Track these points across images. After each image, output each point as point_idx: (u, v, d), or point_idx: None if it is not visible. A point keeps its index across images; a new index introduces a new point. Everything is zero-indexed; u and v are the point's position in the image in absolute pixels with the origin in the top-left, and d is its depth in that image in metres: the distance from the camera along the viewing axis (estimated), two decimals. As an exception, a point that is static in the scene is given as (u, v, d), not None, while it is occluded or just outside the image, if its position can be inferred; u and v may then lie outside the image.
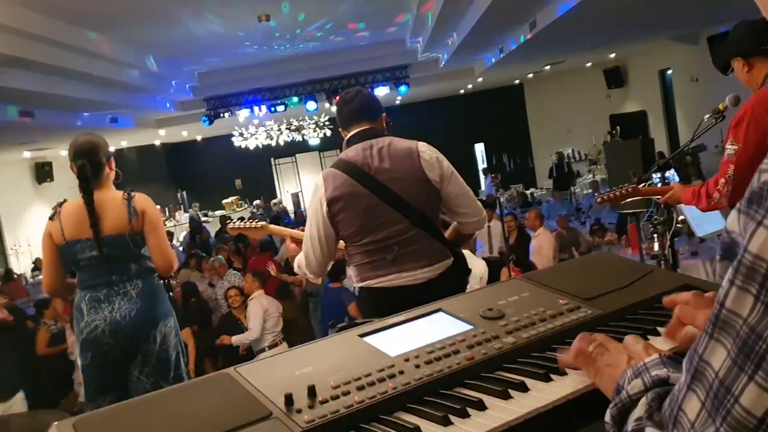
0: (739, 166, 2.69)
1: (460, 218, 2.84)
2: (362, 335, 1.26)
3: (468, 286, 2.91)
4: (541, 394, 1.04)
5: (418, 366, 1.13)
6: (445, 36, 11.45)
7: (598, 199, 3.37)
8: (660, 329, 1.20)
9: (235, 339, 6.53)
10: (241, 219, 3.70)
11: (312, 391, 1.06)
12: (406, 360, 1.15)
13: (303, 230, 3.11)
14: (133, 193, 3.48)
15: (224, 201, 18.67)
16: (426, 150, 2.76)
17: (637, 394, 0.84)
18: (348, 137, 2.85)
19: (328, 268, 2.98)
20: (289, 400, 1.05)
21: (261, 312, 6.40)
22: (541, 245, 7.85)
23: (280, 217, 15.66)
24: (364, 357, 1.17)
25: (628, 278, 1.44)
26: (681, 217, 4.08)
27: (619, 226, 9.73)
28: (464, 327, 1.26)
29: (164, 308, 3.54)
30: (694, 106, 14.37)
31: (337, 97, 3.04)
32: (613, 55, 16.69)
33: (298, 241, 3.09)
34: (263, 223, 3.39)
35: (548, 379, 1.08)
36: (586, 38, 11.81)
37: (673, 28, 12.70)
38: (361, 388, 1.08)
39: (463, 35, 10.57)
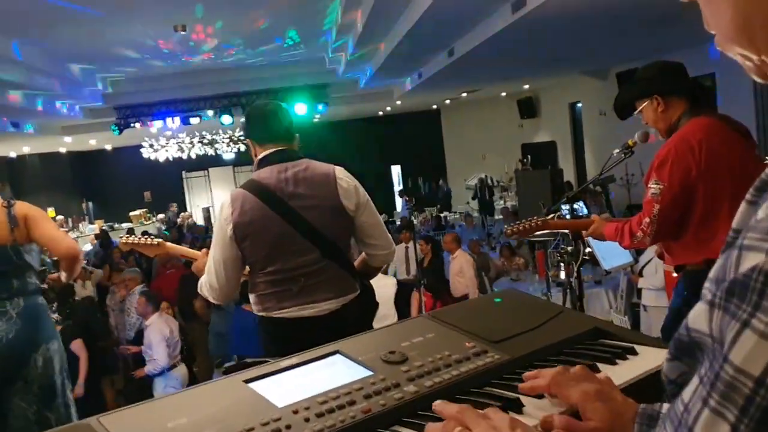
0: (664, 206, 2.71)
1: (371, 249, 2.73)
2: (248, 380, 1.12)
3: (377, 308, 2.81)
4: (442, 455, 0.94)
5: (307, 419, 1.01)
6: (365, 57, 11.45)
7: (507, 231, 3.32)
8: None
9: (147, 370, 6.17)
10: (145, 234, 3.48)
11: (185, 448, 0.93)
12: (295, 412, 1.02)
13: (202, 250, 2.94)
14: (13, 201, 3.21)
15: (132, 213, 17.96)
16: (344, 177, 2.64)
17: None
18: (261, 157, 2.66)
19: (234, 295, 2.81)
20: (157, 458, 0.91)
21: (161, 339, 6.07)
22: (462, 266, 7.88)
23: (182, 232, 15.12)
24: (247, 407, 1.04)
25: (538, 319, 1.37)
26: (588, 249, 4.13)
27: (528, 252, 9.94)
28: (363, 372, 1.15)
29: (47, 330, 3.27)
30: (601, 139, 14.96)
31: (248, 111, 2.84)
32: (526, 87, 17.20)
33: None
34: (159, 240, 3.17)
35: (450, 436, 0.98)
36: (501, 69, 12.09)
37: (584, 64, 13.19)
38: (241, 445, 0.95)
39: (383, 58, 10.60)
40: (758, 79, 0.65)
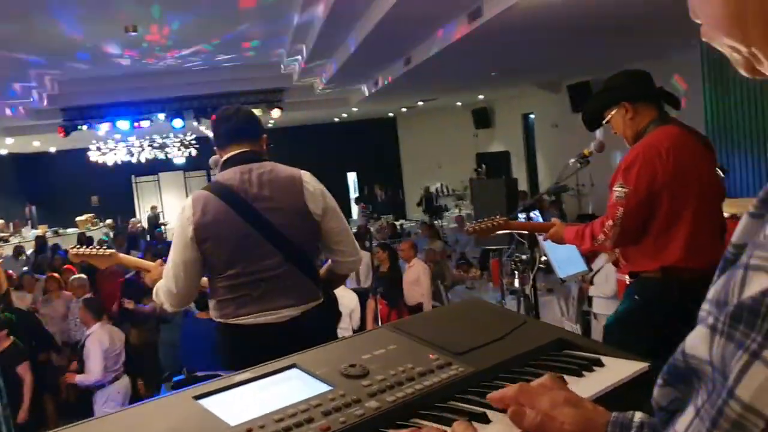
0: (628, 210, 2.71)
1: (337, 256, 2.67)
2: (198, 397, 1.05)
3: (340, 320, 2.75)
4: (407, 475, 0.89)
5: (262, 439, 0.94)
6: (321, 63, 11.39)
7: (469, 229, 3.30)
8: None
9: (78, 379, 5.92)
10: (101, 244, 3.34)
11: (128, 471, 0.85)
12: (249, 431, 0.96)
13: (156, 261, 2.84)
14: None
15: (78, 219, 17.44)
16: (310, 180, 2.59)
17: None
18: (224, 159, 2.60)
19: (191, 301, 2.71)
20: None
21: (100, 351, 5.79)
22: (419, 275, 7.84)
23: (136, 239, 14.77)
24: (197, 426, 0.97)
25: (502, 329, 1.33)
26: (544, 258, 4.15)
27: (482, 261, 10.01)
28: (321, 388, 1.08)
29: None
30: (554, 150, 15.21)
31: (214, 116, 2.76)
32: (481, 97, 17.38)
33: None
34: (112, 251, 3.05)
35: (414, 455, 0.93)
36: (457, 78, 12.17)
37: (538, 76, 13.37)
38: (190, 468, 0.88)
39: (340, 64, 10.55)
40: (745, 73, 0.61)
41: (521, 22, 7.30)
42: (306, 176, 2.59)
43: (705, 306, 0.51)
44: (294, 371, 1.15)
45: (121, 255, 3.08)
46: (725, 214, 3.62)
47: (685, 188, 2.72)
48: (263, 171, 2.53)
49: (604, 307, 6.01)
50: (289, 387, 1.10)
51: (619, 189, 2.71)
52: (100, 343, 5.82)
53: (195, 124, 13.72)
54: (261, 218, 2.45)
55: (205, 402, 1.04)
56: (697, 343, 0.49)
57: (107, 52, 10.07)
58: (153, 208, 19.16)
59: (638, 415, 0.87)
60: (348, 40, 9.43)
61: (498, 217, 3.20)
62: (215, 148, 2.69)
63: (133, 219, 18.38)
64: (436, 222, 15.34)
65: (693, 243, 2.70)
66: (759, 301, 0.44)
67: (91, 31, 8.78)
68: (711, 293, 0.51)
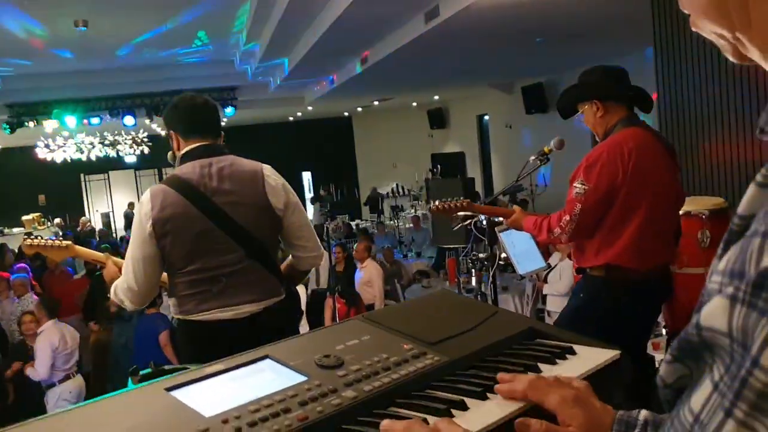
0: (586, 207, 2.75)
1: (299, 252, 2.63)
2: (170, 388, 1.02)
3: None
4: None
5: (239, 429, 0.92)
6: (276, 61, 11.29)
7: (432, 207, 3.31)
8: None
9: (28, 371, 5.78)
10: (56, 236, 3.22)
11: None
12: (225, 421, 0.93)
13: (107, 255, 2.76)
14: None
15: (24, 218, 16.90)
16: (272, 174, 2.55)
17: None
18: (184, 151, 2.53)
19: (153, 297, 2.64)
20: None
21: (49, 350, 5.67)
22: (371, 277, 7.83)
23: (86, 238, 14.39)
24: (170, 417, 0.94)
25: (473, 320, 1.33)
26: (503, 255, 4.18)
27: (438, 259, 10.07)
28: (296, 378, 1.07)
29: None
30: (507, 150, 15.41)
31: (175, 101, 2.63)
32: (436, 97, 17.48)
33: (120, 267, 2.73)
34: (68, 242, 2.96)
35: (394, 443, 0.92)
36: (413, 78, 12.21)
37: (492, 77, 13.52)
38: (164, 460, 0.85)
39: (295, 62, 10.48)
40: (733, 59, 0.63)
41: (477, 23, 7.37)
42: (267, 170, 2.56)
43: (715, 278, 0.50)
44: (267, 362, 1.12)
45: (77, 247, 2.99)
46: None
47: (641, 189, 2.77)
48: (224, 165, 2.48)
49: (558, 305, 6.10)
50: (263, 378, 1.08)
51: (579, 186, 2.75)
52: (50, 342, 5.70)
53: (147, 122, 13.45)
54: (221, 213, 2.41)
55: (177, 393, 1.01)
56: (714, 314, 0.48)
57: (56, 47, 9.79)
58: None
59: (643, 413, 0.88)
60: (304, 38, 9.37)
61: (462, 198, 3.22)
62: (170, 132, 2.61)
63: (83, 218, 17.89)
64: (391, 222, 15.36)
65: (638, 244, 2.75)
66: None
67: (39, 25, 8.54)
68: (722, 264, 0.50)
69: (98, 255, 2.93)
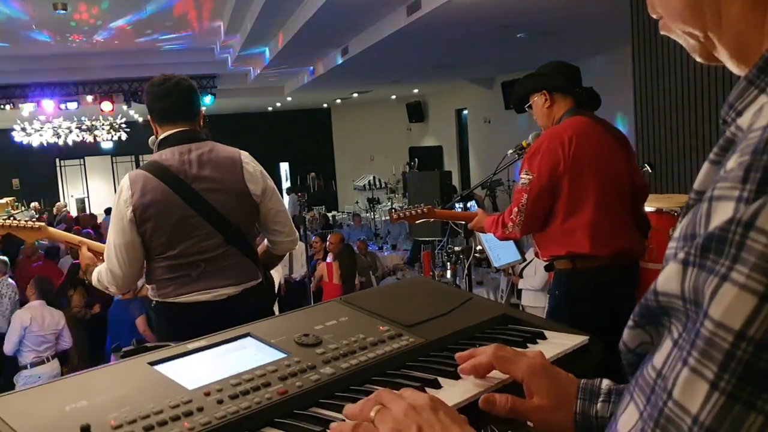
0: (532, 197, 2.80)
1: (276, 236, 2.67)
2: (153, 363, 1.05)
3: None
4: (364, 435, 0.91)
5: (221, 401, 0.95)
6: (256, 50, 11.24)
7: (394, 216, 3.35)
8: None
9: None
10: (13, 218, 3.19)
11: (85, 433, 0.85)
12: (207, 394, 0.96)
13: (80, 240, 2.76)
14: None
15: (-2, 201, 16.67)
16: (250, 161, 2.57)
17: None
18: (162, 137, 2.53)
19: (138, 280, 2.66)
20: (53, 444, 0.83)
21: (18, 325, 5.77)
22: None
23: (61, 223, 14.20)
24: (154, 390, 0.97)
25: (448, 305, 1.37)
26: (479, 247, 4.24)
27: (414, 252, 10.12)
28: (276, 355, 1.10)
29: None
30: (485, 145, 15.50)
31: (149, 86, 2.58)
32: (416, 91, 17.52)
33: (95, 251, 2.73)
34: (42, 224, 2.95)
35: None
36: (393, 70, 12.24)
37: (472, 72, 13.59)
38: (149, 429, 0.88)
39: (276, 52, 10.45)
40: (701, 59, 0.66)
41: (458, 17, 7.42)
42: (245, 156, 2.58)
43: (671, 244, 0.54)
44: (248, 340, 1.16)
45: (51, 229, 2.98)
46: (650, 209, 3.78)
47: (584, 176, 2.80)
48: (203, 151, 2.49)
49: (532, 300, 6.18)
50: (245, 354, 1.11)
51: (525, 176, 2.81)
52: (21, 318, 5.84)
53: (125, 108, 13.33)
54: (201, 199, 2.43)
55: (160, 368, 1.04)
56: (669, 279, 0.51)
57: (34, 30, 9.66)
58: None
59: (605, 382, 0.91)
60: (285, 28, 9.34)
61: (423, 205, 3.26)
62: (149, 116, 2.61)
63: (58, 203, 17.61)
64: (367, 214, 15.40)
65: (597, 232, 2.79)
66: (726, 229, 0.47)
67: (16, 7, 8.42)
68: (677, 231, 0.54)
69: (72, 237, 2.91)
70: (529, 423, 0.91)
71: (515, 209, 2.83)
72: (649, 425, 0.49)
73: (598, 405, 0.89)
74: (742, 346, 0.45)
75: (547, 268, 3.03)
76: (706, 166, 0.57)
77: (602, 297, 2.84)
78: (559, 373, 0.93)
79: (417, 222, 3.33)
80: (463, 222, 3.62)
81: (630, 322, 0.59)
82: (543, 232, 2.91)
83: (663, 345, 0.52)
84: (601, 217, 2.80)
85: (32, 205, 16.92)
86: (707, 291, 0.47)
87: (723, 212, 0.48)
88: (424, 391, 0.96)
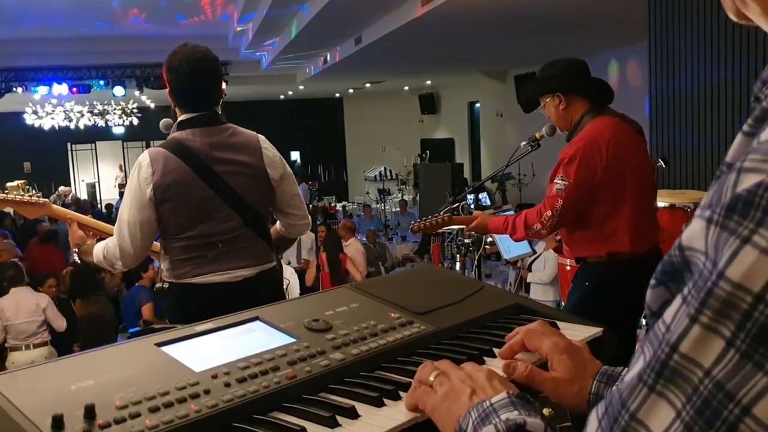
0: (567, 203, 2.78)
1: (291, 219, 2.68)
2: (161, 344, 1.04)
3: None
4: (374, 422, 0.90)
5: (228, 384, 0.94)
6: (270, 37, 11.21)
7: (414, 227, 3.30)
8: (496, 350, 1.12)
9: None
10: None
11: (90, 412, 0.83)
12: (214, 377, 0.95)
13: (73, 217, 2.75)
14: None
15: (9, 184, 16.58)
16: (268, 146, 2.57)
17: None
18: (182, 119, 2.49)
19: (143, 258, 2.65)
20: (58, 423, 0.82)
21: None
22: (354, 255, 7.88)
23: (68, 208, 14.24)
24: (161, 371, 0.96)
25: (460, 294, 1.36)
26: (489, 239, 4.22)
27: (423, 244, 10.10)
28: (285, 339, 1.09)
29: None
30: (497, 138, 15.42)
31: (170, 61, 2.49)
32: (428, 82, 17.44)
33: (85, 227, 2.71)
34: (45, 200, 2.93)
35: (381, 404, 0.94)
36: (406, 61, 12.18)
37: (485, 64, 13.51)
38: (155, 410, 0.87)
39: (289, 39, 10.42)
40: (734, 18, 0.63)
41: (472, 9, 7.37)
42: (263, 141, 2.58)
43: (697, 212, 0.54)
44: (257, 323, 1.14)
45: (54, 206, 2.97)
46: (662, 204, 3.76)
47: (624, 178, 2.80)
48: (224, 135, 2.49)
49: (541, 294, 6.16)
50: (253, 338, 1.09)
51: (560, 182, 2.78)
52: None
53: (137, 93, 13.35)
54: (222, 181, 2.42)
55: (167, 349, 1.02)
56: (694, 234, 0.51)
57: (48, 13, 9.67)
58: None
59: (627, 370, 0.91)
60: (299, 15, 9.31)
61: (442, 214, 3.22)
62: (171, 103, 2.57)
63: (62, 187, 17.48)
64: (378, 205, 15.38)
65: (636, 231, 2.80)
66: (754, 193, 0.47)
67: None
68: (704, 199, 0.53)
69: (73, 215, 2.88)
70: (541, 394, 0.96)
71: (548, 213, 2.80)
72: (648, 374, 0.50)
73: (614, 389, 0.88)
74: (760, 308, 0.45)
75: (578, 261, 3.00)
76: (738, 138, 0.56)
77: (635, 289, 2.80)
78: (581, 352, 0.99)
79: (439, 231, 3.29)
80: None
81: (653, 281, 0.58)
82: (575, 234, 2.90)
83: (675, 301, 0.52)
84: (638, 216, 2.81)
85: (60, 189, 16.79)
86: (726, 252, 0.47)
87: (752, 179, 0.47)
88: None
